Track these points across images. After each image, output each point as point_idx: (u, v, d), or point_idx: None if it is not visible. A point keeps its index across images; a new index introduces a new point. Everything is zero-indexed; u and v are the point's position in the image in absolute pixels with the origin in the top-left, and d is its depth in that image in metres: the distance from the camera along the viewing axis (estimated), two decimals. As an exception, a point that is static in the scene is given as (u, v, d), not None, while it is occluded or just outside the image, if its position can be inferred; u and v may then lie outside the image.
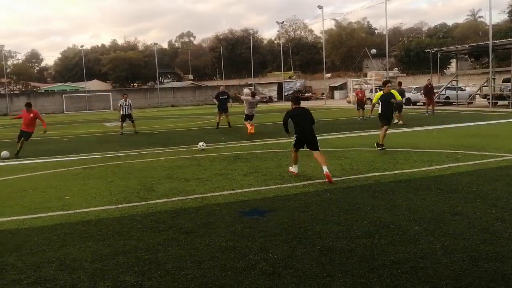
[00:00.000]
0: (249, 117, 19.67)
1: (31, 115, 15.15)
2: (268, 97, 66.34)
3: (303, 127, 9.64)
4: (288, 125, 9.91)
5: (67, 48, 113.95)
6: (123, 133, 21.53)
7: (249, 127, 19.16)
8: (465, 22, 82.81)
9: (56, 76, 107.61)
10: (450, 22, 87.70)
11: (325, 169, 8.84)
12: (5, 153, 14.64)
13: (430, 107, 27.14)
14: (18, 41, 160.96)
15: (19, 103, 62.79)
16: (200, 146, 14.24)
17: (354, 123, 22.67)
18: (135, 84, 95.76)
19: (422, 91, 31.86)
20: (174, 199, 7.88)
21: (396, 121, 19.93)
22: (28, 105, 15.54)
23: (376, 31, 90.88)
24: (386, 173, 9.37)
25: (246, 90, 50.47)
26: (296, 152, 9.66)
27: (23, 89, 71.89)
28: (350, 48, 74.24)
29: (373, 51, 16.81)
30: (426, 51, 43.10)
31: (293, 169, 9.74)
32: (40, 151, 15.93)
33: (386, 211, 6.59)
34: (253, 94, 20.64)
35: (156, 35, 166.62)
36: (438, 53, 40.48)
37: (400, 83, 23.96)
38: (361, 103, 25.42)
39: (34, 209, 7.52)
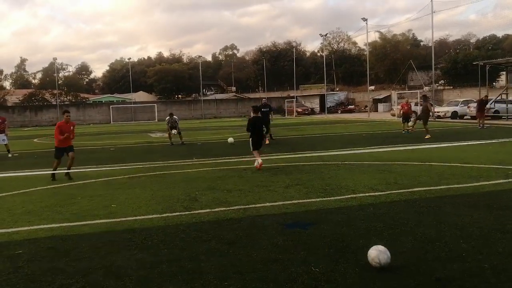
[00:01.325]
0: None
1: (71, 127, 12.51)
2: (310, 109, 66.13)
3: (259, 132, 13.07)
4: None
5: (115, 60, 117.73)
6: (172, 143, 21.80)
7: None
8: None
9: (104, 87, 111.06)
10: (500, 34, 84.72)
11: (259, 161, 12.28)
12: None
13: (481, 121, 26.44)
14: (72, 54, 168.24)
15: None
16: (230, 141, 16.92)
17: (398, 136, 22.27)
18: (179, 95, 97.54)
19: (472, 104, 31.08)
20: (216, 209, 7.96)
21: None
22: (67, 112, 12.86)
23: (422, 43, 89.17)
24: (431, 188, 9.15)
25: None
26: (256, 151, 12.76)
27: (73, 100, 74.54)
28: (395, 60, 73.04)
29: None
30: (474, 63, 41.92)
31: (257, 163, 12.35)
32: (88, 160, 16.43)
33: (431, 227, 6.43)
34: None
35: (200, 48, 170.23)
36: (487, 65, 39.31)
37: (424, 97, 24.01)
38: (406, 116, 24.96)
39: (82, 216, 7.77)
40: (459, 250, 5.49)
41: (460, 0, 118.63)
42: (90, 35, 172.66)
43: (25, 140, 30.53)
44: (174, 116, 22.65)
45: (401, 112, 25.75)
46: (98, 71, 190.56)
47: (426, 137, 20.25)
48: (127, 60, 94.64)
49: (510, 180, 9.71)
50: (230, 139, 19.08)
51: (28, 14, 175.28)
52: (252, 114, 13.58)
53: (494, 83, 57.59)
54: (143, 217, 7.63)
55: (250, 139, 12.94)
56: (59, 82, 78.17)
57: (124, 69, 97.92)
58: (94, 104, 72.87)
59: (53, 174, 11.76)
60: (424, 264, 5.07)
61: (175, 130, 21.87)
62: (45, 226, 7.27)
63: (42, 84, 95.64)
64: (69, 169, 12.06)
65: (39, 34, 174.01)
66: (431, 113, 23.20)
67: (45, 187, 10.82)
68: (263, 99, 27.64)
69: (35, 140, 30.61)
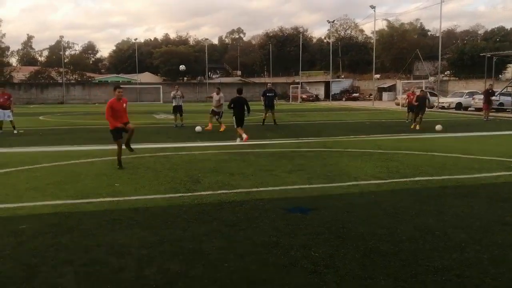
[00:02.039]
0: (216, 113, 20.18)
1: (124, 105, 10.71)
2: (314, 96, 65.95)
3: (239, 110, 15.31)
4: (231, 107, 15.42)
5: (121, 40, 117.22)
6: (176, 125, 21.87)
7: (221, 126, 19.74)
8: (525, 26, 79.28)
9: (110, 67, 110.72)
10: (509, 26, 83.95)
11: (244, 135, 14.54)
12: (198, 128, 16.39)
13: (486, 113, 26.36)
14: (79, 32, 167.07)
15: (75, 92, 65.39)
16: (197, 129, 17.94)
17: (402, 125, 22.24)
18: (185, 78, 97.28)
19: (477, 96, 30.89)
20: (219, 192, 8.02)
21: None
22: (119, 88, 10.74)
23: (429, 33, 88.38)
24: (433, 178, 9.18)
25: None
26: (240, 128, 15.05)
27: (79, 79, 74.47)
28: (401, 50, 72.37)
29: (438, 127, 16.20)
30: (481, 55, 41.59)
31: (240, 139, 14.64)
32: (93, 139, 16.52)
33: (432, 217, 6.48)
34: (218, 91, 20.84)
35: (208, 31, 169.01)
36: (494, 57, 39.02)
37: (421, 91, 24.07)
38: (412, 105, 24.86)
39: (86, 194, 7.84)
40: (458, 240, 5.54)
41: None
42: (99, 14, 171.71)
43: (31, 117, 30.61)
44: (180, 91, 22.56)
45: (407, 101, 25.65)
46: (105, 50, 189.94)
47: (417, 127, 20.23)
48: (133, 41, 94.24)
49: (511, 172, 9.74)
50: (198, 128, 18.91)
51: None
52: (237, 95, 15.93)
53: (500, 76, 57.25)
54: (146, 197, 7.70)
55: (234, 117, 15.55)
56: (65, 61, 77.87)
57: (130, 49, 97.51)
58: (100, 84, 72.76)
59: (120, 161, 10.36)
60: (423, 252, 5.12)
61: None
62: (49, 202, 7.34)
63: (49, 62, 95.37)
64: (129, 141, 10.77)
65: (48, 12, 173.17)
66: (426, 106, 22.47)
67: (49, 164, 10.89)
68: (268, 84, 27.55)
69: (40, 117, 30.70)
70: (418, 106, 21.27)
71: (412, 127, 20.58)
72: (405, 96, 30.96)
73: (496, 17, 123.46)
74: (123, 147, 10.59)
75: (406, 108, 25.60)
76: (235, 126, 15.35)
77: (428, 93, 23.77)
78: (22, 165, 10.75)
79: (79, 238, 5.63)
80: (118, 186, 8.48)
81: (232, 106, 15.50)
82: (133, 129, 10.72)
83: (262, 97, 23.40)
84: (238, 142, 14.19)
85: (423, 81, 46.75)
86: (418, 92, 23.66)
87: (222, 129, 19.41)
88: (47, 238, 5.65)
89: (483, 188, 8.31)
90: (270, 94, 22.66)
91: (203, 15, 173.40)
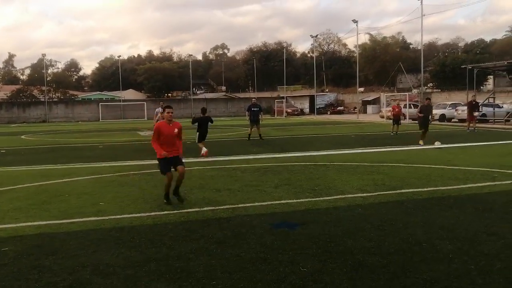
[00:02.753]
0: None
1: (175, 130, 8.60)
2: (299, 110, 66.28)
3: (205, 128, 16.54)
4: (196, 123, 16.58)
5: (104, 58, 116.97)
6: None
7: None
8: (504, 38, 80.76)
9: (93, 85, 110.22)
10: (488, 38, 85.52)
11: (204, 149, 15.38)
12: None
13: (472, 124, 26.64)
14: (62, 50, 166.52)
15: (58, 110, 64.87)
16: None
17: (387, 138, 22.41)
18: (169, 94, 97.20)
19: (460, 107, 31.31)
20: (205, 208, 7.95)
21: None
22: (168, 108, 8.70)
23: (411, 46, 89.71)
24: (419, 189, 9.22)
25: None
26: (202, 142, 16.15)
27: (61, 97, 73.91)
28: (384, 63, 73.38)
29: (437, 143, 15.71)
30: (462, 67, 42.29)
31: (203, 151, 15.37)
32: (77, 158, 16.33)
33: (419, 228, 6.49)
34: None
35: (192, 47, 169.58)
36: (475, 69, 39.70)
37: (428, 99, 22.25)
38: (397, 118, 25.11)
39: (70, 214, 7.72)
40: (445, 251, 5.54)
41: (450, 4, 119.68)
42: (82, 31, 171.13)
43: (13, 136, 30.24)
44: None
45: (392, 114, 25.87)
46: (88, 68, 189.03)
47: (420, 142, 18.48)
48: (117, 58, 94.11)
49: (496, 183, 9.82)
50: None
51: (19, 9, 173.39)
52: (201, 115, 16.94)
53: (481, 87, 58.20)
54: (131, 215, 7.60)
55: (198, 133, 16.51)
56: (47, 79, 77.38)
57: (114, 66, 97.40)
58: (83, 102, 72.34)
59: (167, 195, 8.40)
60: (411, 265, 5.11)
61: None
62: (32, 223, 7.21)
63: (31, 80, 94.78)
64: (178, 188, 8.48)
65: (30, 30, 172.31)
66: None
67: (32, 184, 10.72)
68: (253, 99, 27.65)
69: (22, 136, 30.33)
70: (423, 117, 18.89)
71: (420, 142, 18.38)
72: (389, 108, 31.23)
73: (476, 30, 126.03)
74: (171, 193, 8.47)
75: (392, 120, 25.78)
76: (197, 141, 16.45)
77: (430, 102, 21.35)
78: (4, 186, 10.56)
79: (63, 259, 5.51)
80: (103, 205, 8.37)
81: (197, 124, 16.60)
82: (183, 173, 8.47)
83: (247, 112, 23.42)
84: (203, 152, 15.37)
85: (407, 93, 47.27)
86: (400, 103, 23.40)
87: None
88: (30, 260, 5.53)
89: (469, 198, 8.36)
90: (255, 109, 22.71)
91: (186, 31, 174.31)
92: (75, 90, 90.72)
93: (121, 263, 5.34)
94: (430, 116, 19.12)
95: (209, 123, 16.85)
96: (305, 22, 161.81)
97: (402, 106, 31.94)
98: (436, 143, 18.24)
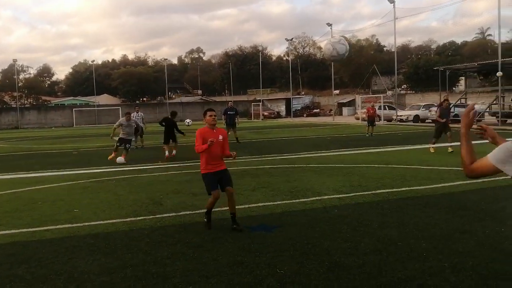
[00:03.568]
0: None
1: (220, 137, 7.38)
2: (276, 113, 66.50)
3: (168, 129, 16.91)
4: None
5: (78, 63, 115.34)
6: (137, 147, 21.43)
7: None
8: (474, 40, 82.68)
9: (67, 90, 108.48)
10: (459, 40, 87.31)
11: (167, 153, 16.33)
12: None
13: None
14: (35, 56, 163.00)
15: (30, 116, 63.62)
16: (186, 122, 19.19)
17: (362, 139, 22.64)
18: (144, 98, 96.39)
19: (434, 108, 31.80)
20: (182, 213, 7.90)
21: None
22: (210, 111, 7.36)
23: (385, 49, 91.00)
24: (394, 190, 9.34)
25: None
26: (167, 145, 16.70)
27: (34, 103, 72.59)
28: (359, 65, 74.22)
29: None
30: (435, 68, 43.06)
31: (167, 153, 16.41)
32: (50, 164, 16.04)
33: (394, 228, 6.56)
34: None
35: (167, 51, 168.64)
36: (447, 70, 40.48)
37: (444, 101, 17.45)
38: (371, 119, 25.41)
39: (43, 222, 7.57)
40: (420, 250, 5.62)
41: (422, 7, 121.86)
42: (55, 36, 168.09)
43: (-17, 143, 29.53)
44: (140, 112, 22.21)
45: (367, 115, 26.16)
46: (61, 73, 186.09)
47: (449, 150, 15.36)
48: (90, 63, 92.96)
49: (468, 181, 10.00)
50: (188, 121, 21.01)
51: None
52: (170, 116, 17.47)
53: (454, 88, 59.33)
54: (106, 221, 7.50)
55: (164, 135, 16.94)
56: (19, 85, 75.85)
57: (87, 71, 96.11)
58: (56, 107, 71.18)
59: (208, 213, 6.97)
60: (387, 264, 5.17)
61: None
62: (4, 232, 7.04)
63: (1, 86, 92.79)
64: (235, 216, 6.94)
65: (1, 35, 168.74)
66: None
67: (5, 192, 10.49)
68: (229, 102, 27.62)
69: (-6, 143, 29.65)
70: (443, 123, 15.74)
71: (432, 151, 15.52)
72: (364, 110, 31.58)
73: (448, 32, 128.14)
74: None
75: (366, 122, 26.06)
76: (163, 143, 16.94)
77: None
78: (-25, 194, 10.30)
79: (36, 268, 5.40)
80: (77, 212, 8.23)
81: (163, 124, 17.25)
82: (233, 194, 7.06)
83: (223, 116, 23.38)
84: (167, 155, 16.33)
85: (381, 95, 47.89)
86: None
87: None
88: (3, 269, 5.41)
89: (443, 197, 8.51)
90: (231, 113, 22.69)
91: (162, 36, 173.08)
92: (48, 96, 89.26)
93: (96, 270, 5.27)
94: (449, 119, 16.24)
95: (174, 127, 16.94)
96: (281, 26, 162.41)
97: (376, 108, 32.29)
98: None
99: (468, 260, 5.21)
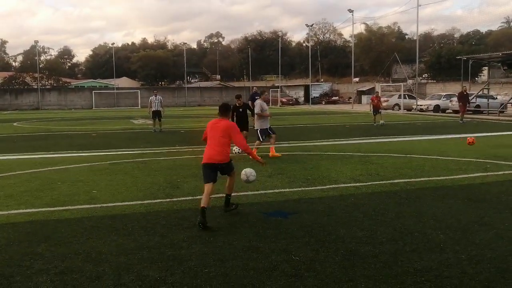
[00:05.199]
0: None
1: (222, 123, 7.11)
2: (294, 100, 66.22)
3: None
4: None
5: (98, 45, 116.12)
6: (155, 130, 21.69)
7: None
8: (499, 30, 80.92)
9: (87, 72, 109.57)
10: (483, 29, 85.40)
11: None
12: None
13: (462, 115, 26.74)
14: (58, 38, 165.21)
15: (51, 97, 64.38)
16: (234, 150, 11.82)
17: (380, 128, 22.42)
18: (163, 82, 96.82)
19: (455, 98, 31.37)
20: (198, 197, 7.89)
21: None
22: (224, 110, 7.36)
23: (407, 37, 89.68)
24: (412, 180, 9.25)
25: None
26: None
27: (54, 84, 73.41)
28: (380, 53, 73.33)
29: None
30: (458, 58, 42.30)
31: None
32: (70, 146, 16.25)
33: (411, 218, 6.51)
34: None
35: (188, 35, 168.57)
36: (470, 60, 39.73)
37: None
38: (376, 108, 25.14)
39: (62, 202, 7.69)
40: (437, 241, 5.57)
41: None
42: (78, 19, 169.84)
43: (5, 123, 30.03)
44: (159, 96, 22.34)
45: (371, 105, 25.84)
46: (82, 55, 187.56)
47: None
48: (110, 45, 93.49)
49: (488, 173, 9.87)
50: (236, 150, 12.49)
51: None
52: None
53: (476, 78, 58.31)
54: (124, 203, 7.58)
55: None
56: (40, 66, 76.76)
57: (107, 54, 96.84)
58: (76, 89, 71.87)
59: (203, 212, 6.26)
60: (403, 254, 5.13)
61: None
62: (24, 210, 7.17)
63: (23, 67, 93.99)
64: (229, 195, 7.21)
65: (25, 17, 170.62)
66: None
67: (24, 172, 10.66)
68: (254, 88, 27.56)
69: (14, 124, 30.14)
70: None
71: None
72: (370, 100, 31.15)
73: (472, 21, 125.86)
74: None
75: (372, 111, 25.67)
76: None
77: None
78: (-4, 173, 10.50)
79: (55, 247, 5.50)
80: (95, 193, 8.34)
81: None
82: (233, 178, 7.16)
83: (250, 102, 23.17)
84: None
85: (402, 84, 47.31)
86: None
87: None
88: (22, 247, 5.51)
89: (461, 189, 8.40)
90: (258, 98, 22.47)
91: (183, 19, 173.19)
92: (68, 78, 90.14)
93: (114, 251, 5.33)
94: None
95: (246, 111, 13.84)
96: (303, 11, 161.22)
97: (380, 97, 31.34)
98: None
99: (486, 253, 5.15)
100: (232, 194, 7.26)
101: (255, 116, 13.37)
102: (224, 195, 7.20)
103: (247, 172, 7.12)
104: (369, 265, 4.81)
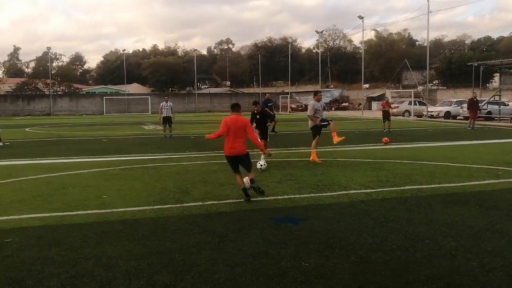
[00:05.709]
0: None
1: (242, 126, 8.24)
2: (304, 106, 66.17)
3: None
4: None
5: (109, 51, 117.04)
6: (165, 136, 21.80)
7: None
8: (511, 36, 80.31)
9: (98, 78, 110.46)
10: (495, 36, 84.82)
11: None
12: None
13: (471, 121, 26.57)
14: (69, 44, 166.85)
15: (62, 103, 64.99)
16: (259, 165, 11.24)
17: (390, 135, 22.33)
18: (173, 88, 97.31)
19: (465, 105, 31.16)
20: (208, 203, 7.95)
21: None
22: (235, 107, 8.62)
23: (417, 43, 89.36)
24: (423, 186, 9.19)
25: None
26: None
27: (66, 90, 74.09)
28: (390, 59, 73.16)
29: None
30: (469, 64, 42.06)
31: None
32: (81, 151, 16.36)
33: (422, 225, 6.47)
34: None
35: (198, 42, 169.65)
36: (481, 66, 39.48)
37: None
38: (386, 115, 25.01)
39: (73, 207, 7.74)
40: (448, 248, 5.52)
41: (457, 1, 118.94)
42: (89, 25, 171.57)
43: (17, 129, 30.33)
44: (170, 102, 22.44)
45: (382, 111, 25.70)
46: (93, 62, 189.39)
47: None
48: (121, 52, 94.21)
49: (500, 180, 9.78)
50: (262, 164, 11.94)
51: (28, 2, 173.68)
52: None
53: (487, 84, 57.94)
54: (134, 208, 7.62)
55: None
56: (52, 72, 77.49)
57: (118, 60, 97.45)
58: (87, 95, 72.53)
59: (244, 190, 8.08)
60: (413, 261, 5.10)
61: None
62: (35, 215, 7.23)
63: (35, 73, 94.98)
64: (252, 182, 8.25)
65: (38, 23, 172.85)
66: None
67: (36, 176, 10.76)
68: (267, 94, 27.62)
69: (27, 129, 30.42)
70: None
71: None
72: (380, 106, 30.97)
73: (483, 27, 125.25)
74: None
75: (382, 118, 25.55)
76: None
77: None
78: (8, 178, 10.60)
79: (66, 251, 5.53)
80: (106, 198, 8.39)
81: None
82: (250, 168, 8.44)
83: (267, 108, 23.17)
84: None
85: (412, 90, 47.11)
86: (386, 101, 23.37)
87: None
88: (33, 251, 5.55)
89: (473, 196, 8.33)
90: (270, 104, 22.55)
91: (194, 26, 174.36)
92: (80, 84, 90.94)
93: (124, 256, 5.36)
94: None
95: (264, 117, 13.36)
96: (313, 18, 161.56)
97: (391, 103, 31.17)
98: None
99: (498, 260, 5.10)
100: (239, 200, 7.35)
101: (308, 116, 13.49)
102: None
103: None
104: (380, 272, 4.79)
